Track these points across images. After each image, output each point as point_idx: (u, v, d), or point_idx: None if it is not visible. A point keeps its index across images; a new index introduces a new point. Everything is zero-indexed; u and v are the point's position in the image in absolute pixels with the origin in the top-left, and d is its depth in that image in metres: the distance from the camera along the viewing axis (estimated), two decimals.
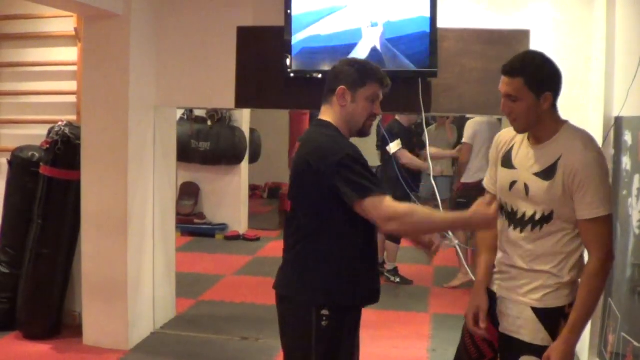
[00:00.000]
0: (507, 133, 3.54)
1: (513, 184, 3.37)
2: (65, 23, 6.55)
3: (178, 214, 8.66)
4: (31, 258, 6.15)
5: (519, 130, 3.39)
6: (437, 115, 11.14)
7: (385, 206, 3.26)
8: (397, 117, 8.62)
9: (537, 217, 3.26)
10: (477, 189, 8.37)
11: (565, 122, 3.34)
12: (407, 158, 8.37)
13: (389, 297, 7.95)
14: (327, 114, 3.53)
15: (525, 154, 3.37)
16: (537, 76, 3.23)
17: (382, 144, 8.68)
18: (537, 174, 3.26)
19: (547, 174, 3.22)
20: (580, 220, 3.17)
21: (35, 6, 6.28)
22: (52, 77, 6.73)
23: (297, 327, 3.48)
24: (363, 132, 3.56)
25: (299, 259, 3.46)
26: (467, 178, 8.36)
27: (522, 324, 3.33)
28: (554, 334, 3.23)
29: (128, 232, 5.99)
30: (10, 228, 6.42)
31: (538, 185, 3.25)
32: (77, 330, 6.25)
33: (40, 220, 6.12)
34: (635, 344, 4.01)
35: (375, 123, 3.90)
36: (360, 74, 3.46)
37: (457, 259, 8.24)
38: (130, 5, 5.82)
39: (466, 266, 7.06)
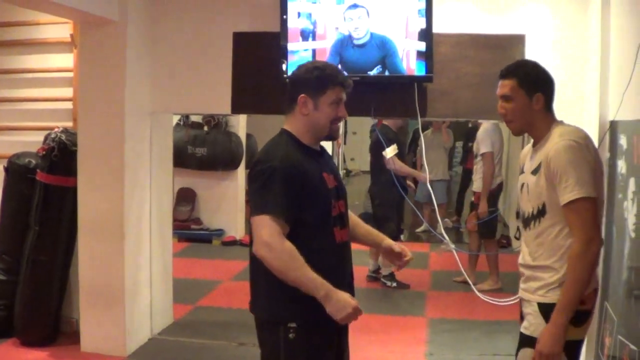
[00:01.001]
0: (527, 147, 3.72)
1: (522, 186, 3.57)
2: (61, 29, 6.55)
3: (175, 219, 8.67)
4: (28, 265, 6.15)
5: (514, 132, 3.62)
6: (433, 120, 11.18)
7: (267, 231, 3.14)
8: (385, 122, 8.61)
9: (535, 212, 3.42)
10: (496, 194, 8.44)
11: (557, 122, 3.51)
12: (398, 165, 8.35)
13: (386, 302, 7.97)
14: (289, 123, 3.47)
15: (529, 158, 3.57)
16: (529, 77, 3.48)
17: (374, 149, 8.67)
18: (532, 172, 3.45)
19: (536, 169, 3.41)
20: (563, 207, 3.28)
21: (31, 13, 6.29)
22: (48, 84, 6.73)
23: (268, 345, 3.43)
24: (331, 137, 3.49)
25: (257, 277, 3.40)
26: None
27: (530, 319, 3.45)
28: None
29: (125, 238, 6.00)
30: (6, 235, 6.41)
31: (531, 181, 3.44)
32: (74, 337, 6.25)
33: (37, 227, 6.12)
34: (632, 346, 4.01)
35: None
36: (320, 80, 3.37)
37: (487, 263, 8.29)
38: (126, 12, 5.83)
39: (462, 270, 7.07)
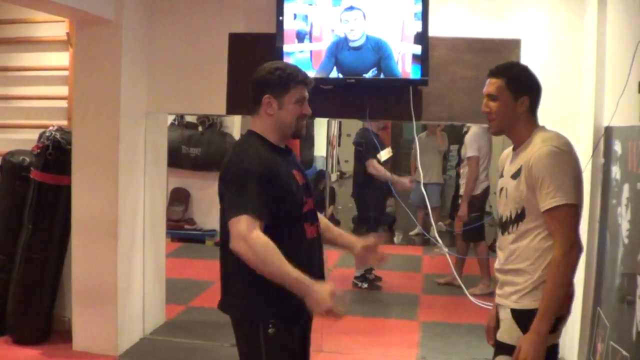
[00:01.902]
0: (507, 151, 3.71)
1: (501, 190, 3.56)
2: (57, 28, 6.55)
3: (168, 219, 8.66)
4: (21, 263, 6.14)
5: (494, 132, 3.64)
6: (428, 124, 11.18)
7: (244, 226, 3.15)
8: (365, 124, 8.61)
9: (513, 216, 3.41)
10: (483, 198, 8.43)
11: (539, 127, 3.50)
12: (374, 168, 8.37)
13: (378, 305, 7.96)
14: (255, 124, 3.51)
15: (509, 162, 3.57)
16: (518, 79, 3.48)
17: (360, 153, 8.66)
18: (511, 176, 3.45)
19: (516, 173, 3.40)
20: (543, 214, 3.28)
21: (27, 11, 6.28)
22: (44, 82, 6.72)
23: (247, 342, 3.47)
24: (297, 135, 3.54)
25: (232, 276, 3.42)
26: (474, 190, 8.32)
27: (504, 325, 3.45)
28: None
29: (118, 238, 5.99)
30: (0, 232, 6.41)
31: (511, 185, 3.43)
32: (66, 336, 6.24)
33: (30, 225, 6.11)
34: (624, 352, 4.02)
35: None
36: (283, 79, 3.42)
37: (478, 267, 8.28)
38: (122, 11, 5.83)
39: (455, 273, 7.07)
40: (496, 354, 3.49)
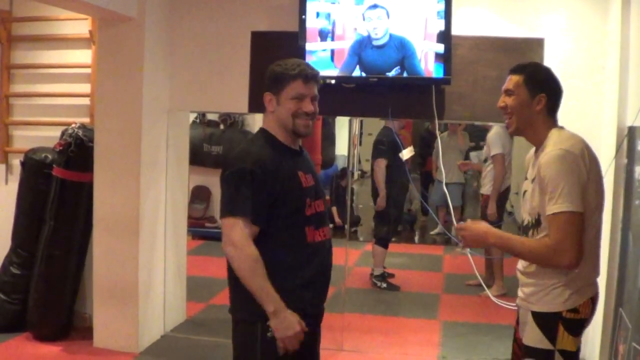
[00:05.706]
0: (531, 153, 3.62)
1: (524, 193, 3.50)
2: (79, 25, 6.57)
3: (189, 217, 8.67)
4: (42, 259, 6.17)
5: (511, 131, 3.53)
6: (449, 123, 11.15)
7: (236, 232, 3.27)
8: (386, 124, 8.60)
9: (533, 221, 3.35)
10: (503, 198, 8.36)
11: (557, 127, 3.42)
12: (379, 168, 8.40)
13: (400, 304, 7.95)
14: (265, 122, 3.56)
15: (531, 164, 3.49)
16: (536, 76, 3.43)
17: (379, 151, 8.64)
18: (532, 180, 3.38)
19: (534, 178, 3.34)
20: (547, 218, 3.21)
21: (50, 8, 6.30)
22: (66, 79, 6.75)
23: (243, 343, 3.50)
24: (297, 132, 3.47)
25: (232, 275, 3.43)
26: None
27: (526, 328, 3.41)
28: (552, 337, 3.27)
29: (139, 235, 6.01)
30: (22, 229, 6.45)
31: (530, 190, 3.39)
32: (87, 332, 6.27)
33: (52, 222, 6.14)
34: None
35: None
36: (277, 76, 3.43)
37: (492, 267, 8.21)
38: (145, 9, 5.85)
39: (477, 274, 7.04)
40: (524, 356, 3.42)
